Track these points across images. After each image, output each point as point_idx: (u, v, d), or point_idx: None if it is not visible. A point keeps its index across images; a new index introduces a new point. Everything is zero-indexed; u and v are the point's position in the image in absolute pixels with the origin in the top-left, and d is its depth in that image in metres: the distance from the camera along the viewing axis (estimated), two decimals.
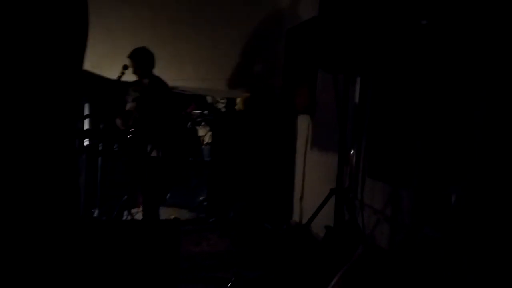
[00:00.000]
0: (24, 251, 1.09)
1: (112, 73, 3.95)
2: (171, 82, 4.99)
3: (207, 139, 5.95)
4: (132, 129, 3.69)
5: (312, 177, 4.33)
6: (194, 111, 5.94)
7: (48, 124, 1.12)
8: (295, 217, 4.60)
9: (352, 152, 3.46)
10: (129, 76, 3.86)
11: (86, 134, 4.00)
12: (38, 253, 1.12)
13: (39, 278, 1.14)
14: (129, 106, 3.86)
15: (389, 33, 2.85)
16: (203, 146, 5.95)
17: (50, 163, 1.13)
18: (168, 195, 5.37)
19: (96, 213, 4.07)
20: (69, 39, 1.20)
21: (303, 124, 4.56)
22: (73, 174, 1.27)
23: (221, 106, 6.37)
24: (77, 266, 1.32)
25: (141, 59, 3.79)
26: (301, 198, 4.50)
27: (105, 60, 4.34)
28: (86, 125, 4.37)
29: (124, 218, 3.85)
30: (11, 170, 1.05)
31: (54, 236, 1.17)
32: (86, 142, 3.96)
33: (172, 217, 3.79)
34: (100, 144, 3.98)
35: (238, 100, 5.50)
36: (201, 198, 5.25)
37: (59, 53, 1.15)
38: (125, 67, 3.68)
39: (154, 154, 3.78)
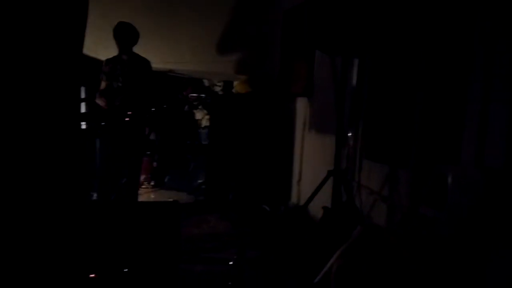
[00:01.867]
0: (30, 238, 1.09)
1: (107, 56, 3.93)
2: (168, 66, 4.98)
3: (204, 123, 5.96)
4: (130, 112, 3.68)
5: (310, 159, 4.36)
6: (191, 95, 5.94)
7: (48, 113, 1.10)
8: (293, 199, 4.64)
9: (349, 134, 3.47)
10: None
11: (83, 117, 4.00)
12: (43, 241, 1.11)
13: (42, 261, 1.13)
14: (104, 84, 3.82)
15: (386, 14, 2.85)
16: (201, 130, 5.96)
17: (56, 152, 1.11)
18: (167, 178, 5.39)
19: (94, 196, 4.09)
20: (68, 27, 1.18)
21: (301, 106, 4.57)
22: (79, 161, 1.26)
23: (218, 89, 6.36)
24: (79, 249, 1.31)
25: (125, 34, 3.76)
26: (299, 180, 4.53)
27: (101, 44, 4.31)
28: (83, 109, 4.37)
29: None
30: (18, 159, 1.04)
31: (60, 223, 1.16)
32: (83, 125, 3.96)
33: (171, 199, 3.82)
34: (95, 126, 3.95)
35: (236, 83, 5.49)
36: (200, 181, 5.28)
37: (59, 41, 1.14)
38: None
39: (152, 137, 3.79)
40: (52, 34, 1.12)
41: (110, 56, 3.88)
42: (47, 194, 1.12)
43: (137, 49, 3.91)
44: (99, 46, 4.32)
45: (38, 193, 1.11)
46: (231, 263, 2.37)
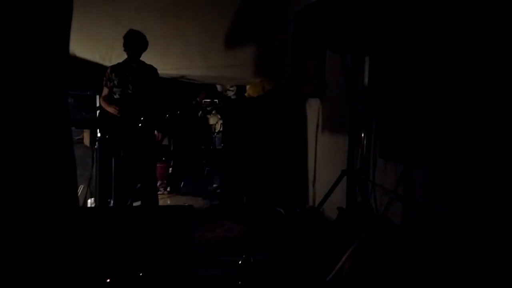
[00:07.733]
0: (22, 245, 1.06)
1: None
2: (179, 72, 5.01)
3: (218, 128, 5.97)
4: (142, 118, 3.71)
5: (325, 160, 4.32)
6: (204, 100, 5.97)
7: (36, 117, 1.07)
8: (309, 201, 4.60)
9: (362, 133, 3.44)
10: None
11: (97, 124, 4.04)
12: (37, 246, 1.08)
13: (38, 270, 1.10)
14: (107, 91, 3.87)
15: (397, 10, 2.82)
16: (215, 135, 5.98)
17: (42, 157, 1.08)
18: (182, 183, 5.42)
19: (111, 203, 4.12)
20: (51, 27, 1.14)
21: (313, 107, 4.54)
22: (69, 166, 1.22)
23: (231, 94, 6.37)
24: (79, 256, 1.28)
25: (137, 42, 3.78)
26: (314, 182, 4.50)
27: (114, 51, 4.36)
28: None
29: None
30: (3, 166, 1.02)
31: (51, 229, 1.13)
32: (98, 134, 4.00)
33: (186, 204, 3.84)
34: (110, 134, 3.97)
35: (248, 87, 5.49)
36: (214, 185, 5.29)
37: (42, 42, 1.10)
38: None
39: (165, 142, 3.81)
40: (35, 36, 1.08)
41: (115, 63, 3.93)
42: (33, 199, 1.10)
43: (148, 56, 3.94)
44: (113, 53, 4.38)
45: (24, 198, 1.08)
46: (240, 262, 2.36)
